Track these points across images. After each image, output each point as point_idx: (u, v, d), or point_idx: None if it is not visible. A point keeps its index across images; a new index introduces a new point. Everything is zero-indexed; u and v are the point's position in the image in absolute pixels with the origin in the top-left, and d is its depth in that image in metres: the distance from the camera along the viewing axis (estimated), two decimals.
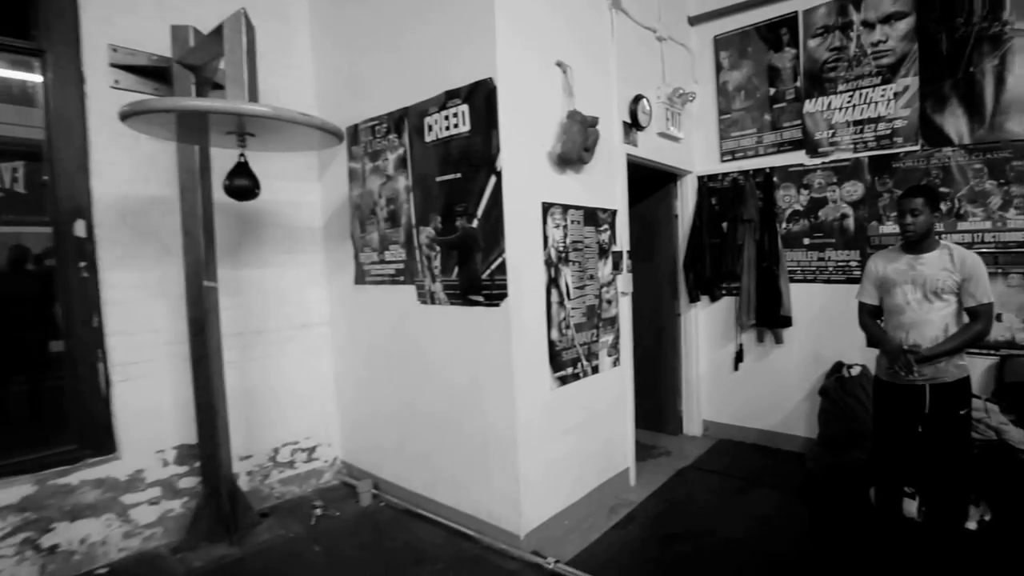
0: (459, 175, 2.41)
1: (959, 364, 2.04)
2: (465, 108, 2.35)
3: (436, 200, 2.52)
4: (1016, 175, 2.69)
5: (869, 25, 3.01)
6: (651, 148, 3.12)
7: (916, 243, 2.09)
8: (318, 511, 2.78)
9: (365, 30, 2.81)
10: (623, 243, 2.88)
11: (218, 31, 2.09)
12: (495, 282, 2.29)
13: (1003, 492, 2.39)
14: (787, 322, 3.21)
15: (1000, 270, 2.72)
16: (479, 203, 2.33)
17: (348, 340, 3.11)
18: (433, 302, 2.59)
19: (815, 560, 2.21)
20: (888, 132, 2.99)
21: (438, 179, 2.50)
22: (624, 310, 2.91)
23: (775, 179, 3.28)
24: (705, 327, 3.60)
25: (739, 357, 3.41)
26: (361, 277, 2.98)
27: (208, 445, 2.50)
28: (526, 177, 2.32)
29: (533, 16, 2.36)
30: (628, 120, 2.92)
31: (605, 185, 2.78)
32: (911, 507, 2.40)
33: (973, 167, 2.79)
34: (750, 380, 3.44)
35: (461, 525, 2.51)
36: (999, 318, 2.69)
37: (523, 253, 2.30)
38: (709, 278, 3.41)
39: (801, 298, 3.21)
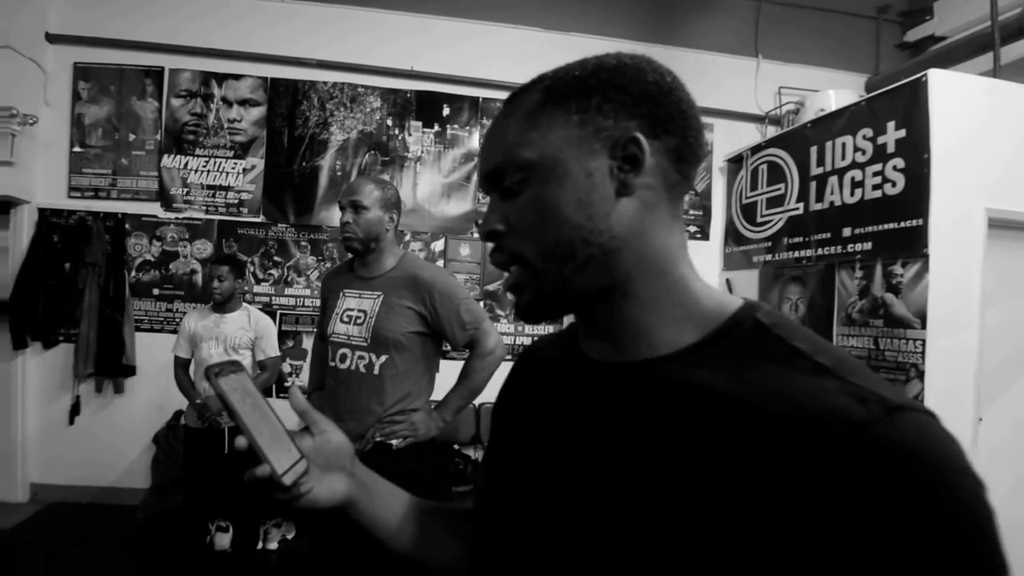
0: None
1: None
2: None
3: None
4: (329, 254, 4.07)
5: (228, 103, 4.02)
6: None
7: (222, 304, 2.95)
8: None
9: None
10: None
11: None
12: None
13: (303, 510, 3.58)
14: (130, 371, 3.86)
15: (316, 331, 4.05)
16: None
17: None
18: None
19: None
20: (236, 201, 4.03)
21: None
22: None
23: (127, 226, 3.93)
24: (36, 377, 3.93)
25: (76, 410, 3.89)
26: None
27: None
28: None
29: None
30: None
31: None
32: (224, 540, 3.23)
33: (301, 244, 4.07)
34: (88, 434, 3.94)
35: None
36: None
37: None
38: (42, 322, 3.77)
39: (148, 347, 3.91)
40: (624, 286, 0.52)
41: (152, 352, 3.91)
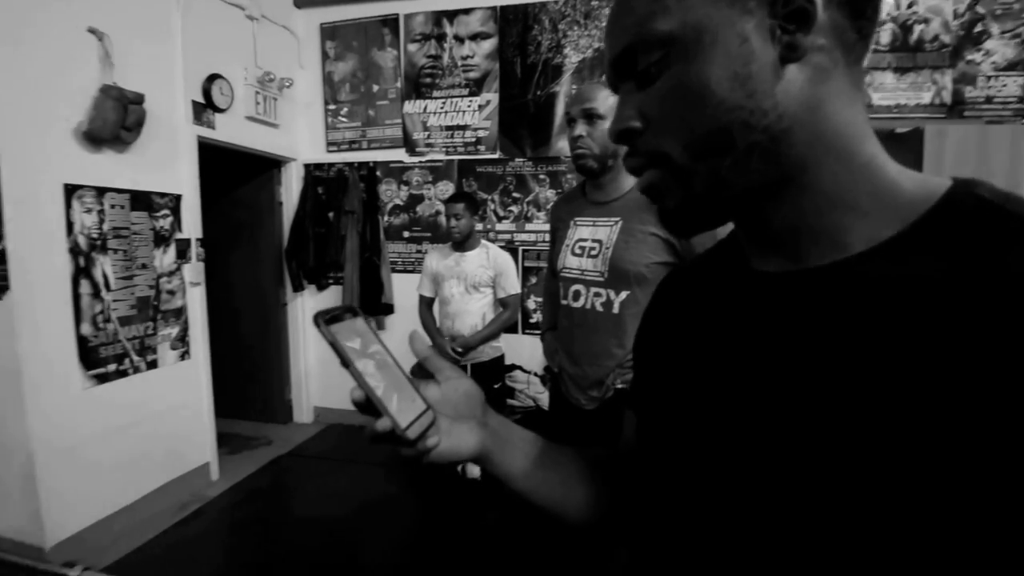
0: None
1: (494, 346, 2.79)
2: None
3: None
4: (569, 186, 3.58)
5: (460, 40, 3.66)
6: (238, 132, 3.33)
7: (461, 243, 2.74)
8: None
9: None
10: (192, 230, 3.05)
11: None
12: None
13: None
14: (389, 310, 3.78)
15: None
16: None
17: None
18: None
19: (385, 522, 2.74)
20: (473, 140, 3.70)
21: None
22: (195, 301, 3.09)
23: (378, 173, 3.80)
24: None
25: None
26: None
27: None
28: (38, 155, 2.32)
29: None
30: (202, 100, 3.06)
31: (165, 167, 2.91)
32: (475, 470, 3.10)
33: (539, 177, 3.64)
34: None
35: None
36: None
37: (34, 240, 2.31)
38: (314, 267, 3.80)
39: (403, 287, 3.80)
40: (800, 177, 0.39)
41: (406, 291, 3.81)
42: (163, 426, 2.93)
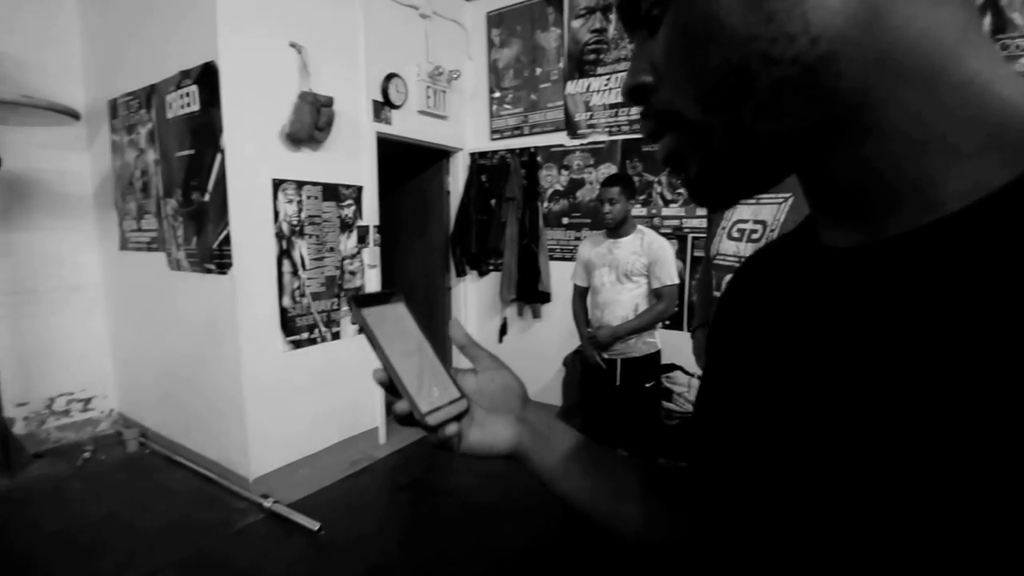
0: (193, 151, 2.91)
1: (648, 341, 2.65)
2: (195, 88, 2.83)
3: (177, 174, 3.03)
4: None
5: None
6: (411, 126, 3.62)
7: (615, 229, 2.65)
8: (86, 455, 3.39)
9: (122, 7, 3.23)
10: (370, 218, 3.42)
11: None
12: (223, 252, 2.84)
13: None
14: (546, 298, 3.81)
15: None
16: (209, 178, 2.83)
17: (118, 301, 3.69)
18: (179, 268, 3.15)
19: (526, 511, 2.80)
20: (638, 117, 3.47)
21: (178, 154, 3.02)
22: (372, 282, 3.48)
23: (539, 159, 3.82)
24: (474, 300, 4.23)
25: (503, 330, 4.02)
26: (124, 243, 3.52)
27: None
28: (254, 155, 2.82)
29: None
30: (380, 98, 3.38)
31: (349, 162, 3.30)
32: None
33: None
34: (514, 352, 4.09)
35: (207, 469, 3.13)
36: None
37: (250, 226, 2.83)
38: (475, 253, 3.98)
39: (560, 275, 3.80)
40: (862, 115, 0.29)
41: (563, 279, 3.80)
42: (342, 390, 3.37)
